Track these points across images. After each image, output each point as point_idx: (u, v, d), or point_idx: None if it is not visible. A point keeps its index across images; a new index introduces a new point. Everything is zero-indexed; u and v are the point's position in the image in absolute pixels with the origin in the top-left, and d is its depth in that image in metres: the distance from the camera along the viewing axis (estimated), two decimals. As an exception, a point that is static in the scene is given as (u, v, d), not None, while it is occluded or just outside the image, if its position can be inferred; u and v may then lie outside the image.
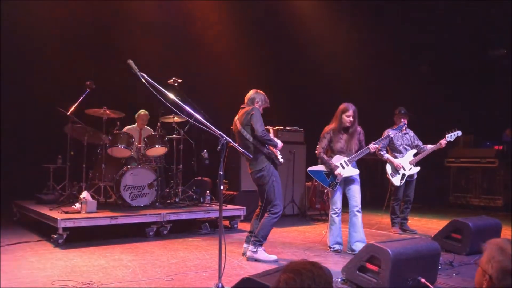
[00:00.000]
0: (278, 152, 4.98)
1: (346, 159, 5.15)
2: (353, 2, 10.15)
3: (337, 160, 5.17)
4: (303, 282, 1.73)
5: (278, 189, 4.88)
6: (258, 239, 4.85)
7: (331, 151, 5.20)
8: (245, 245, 5.08)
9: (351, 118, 5.12)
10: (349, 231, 5.27)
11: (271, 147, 4.89)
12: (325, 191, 8.19)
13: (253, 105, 4.98)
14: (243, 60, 9.89)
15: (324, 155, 5.17)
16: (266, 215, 4.91)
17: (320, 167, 5.21)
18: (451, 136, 6.30)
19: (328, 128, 5.23)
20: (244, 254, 5.04)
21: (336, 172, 5.12)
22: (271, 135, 5.04)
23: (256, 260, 4.83)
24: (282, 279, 1.77)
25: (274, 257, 4.88)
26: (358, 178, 5.30)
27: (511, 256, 1.84)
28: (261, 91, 5.10)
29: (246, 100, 5.08)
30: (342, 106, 5.20)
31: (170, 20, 9.28)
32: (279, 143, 4.96)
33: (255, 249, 4.85)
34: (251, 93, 5.08)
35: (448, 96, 10.44)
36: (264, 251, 4.92)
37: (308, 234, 6.57)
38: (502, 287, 1.82)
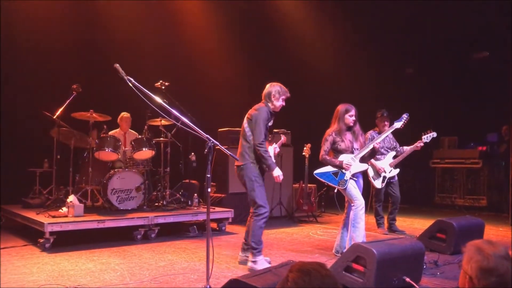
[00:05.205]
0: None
1: (352, 156, 5.19)
2: (338, 3, 10.22)
3: (344, 158, 5.20)
4: (312, 282, 1.69)
5: (259, 191, 4.66)
6: (253, 246, 4.61)
7: (336, 152, 5.21)
8: (240, 253, 4.92)
9: (354, 117, 5.21)
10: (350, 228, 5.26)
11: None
12: (315, 193, 8.27)
13: (269, 101, 4.78)
14: (230, 63, 9.90)
15: (327, 156, 5.20)
16: (251, 219, 4.74)
17: (326, 168, 5.21)
18: (426, 138, 6.36)
19: (330, 130, 5.26)
20: (240, 262, 4.85)
21: (345, 164, 5.09)
22: (275, 147, 5.04)
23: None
24: (290, 278, 1.72)
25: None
26: (361, 175, 5.35)
27: (489, 255, 1.89)
28: (275, 83, 4.84)
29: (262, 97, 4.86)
30: (342, 107, 5.23)
31: (157, 23, 9.27)
32: (276, 171, 4.70)
33: (254, 259, 4.60)
34: (266, 87, 4.85)
35: (432, 98, 10.57)
36: (264, 259, 4.67)
37: (295, 236, 6.61)
38: (482, 287, 1.87)
